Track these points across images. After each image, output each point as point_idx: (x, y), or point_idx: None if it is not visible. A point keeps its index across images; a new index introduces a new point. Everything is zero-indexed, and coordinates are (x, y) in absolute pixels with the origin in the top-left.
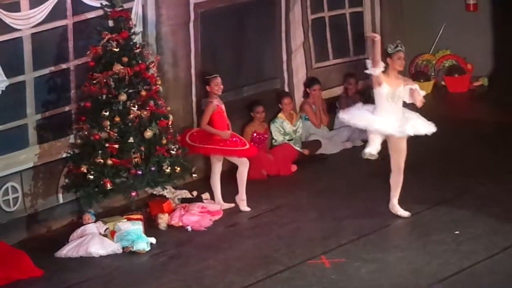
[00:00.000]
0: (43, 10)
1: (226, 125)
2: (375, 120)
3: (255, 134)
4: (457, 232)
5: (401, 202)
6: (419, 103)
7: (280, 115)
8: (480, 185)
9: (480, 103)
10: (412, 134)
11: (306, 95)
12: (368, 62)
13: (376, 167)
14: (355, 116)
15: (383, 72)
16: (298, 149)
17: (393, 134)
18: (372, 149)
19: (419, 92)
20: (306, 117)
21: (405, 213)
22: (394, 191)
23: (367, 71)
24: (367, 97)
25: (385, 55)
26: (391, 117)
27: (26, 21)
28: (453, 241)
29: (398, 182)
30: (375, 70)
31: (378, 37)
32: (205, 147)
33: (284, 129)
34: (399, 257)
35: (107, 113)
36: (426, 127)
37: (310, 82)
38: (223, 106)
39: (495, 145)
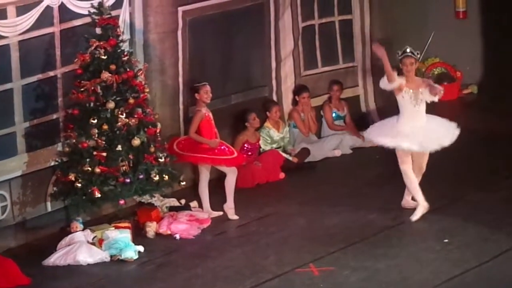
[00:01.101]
0: (30, 18)
1: (214, 133)
2: (403, 139)
3: (246, 145)
4: (447, 240)
5: (392, 209)
6: (438, 95)
7: (266, 124)
8: (470, 193)
9: (470, 111)
10: (437, 148)
11: (295, 102)
12: (383, 79)
13: (366, 175)
14: (381, 135)
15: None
16: (287, 156)
17: (420, 151)
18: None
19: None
20: (295, 124)
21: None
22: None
23: (385, 87)
24: (352, 105)
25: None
26: (416, 123)
27: (13, 28)
28: (443, 249)
29: (418, 174)
30: (391, 84)
31: (381, 52)
32: (193, 156)
33: (272, 137)
34: (388, 265)
35: (95, 121)
36: (449, 137)
37: (299, 89)
38: (210, 115)
39: (485, 153)
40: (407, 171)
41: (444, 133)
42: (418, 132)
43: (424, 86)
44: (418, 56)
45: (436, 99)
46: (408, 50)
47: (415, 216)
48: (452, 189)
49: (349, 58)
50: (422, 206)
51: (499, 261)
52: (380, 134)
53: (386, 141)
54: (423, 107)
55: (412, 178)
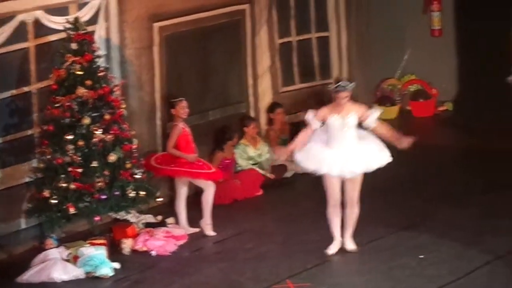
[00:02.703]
0: (4, 33)
1: (192, 148)
2: (324, 162)
3: (226, 160)
4: (421, 257)
5: (366, 226)
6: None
7: (242, 140)
8: (445, 209)
9: (445, 128)
10: (362, 172)
11: (269, 121)
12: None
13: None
14: (307, 158)
15: (329, 104)
16: (264, 173)
17: (343, 176)
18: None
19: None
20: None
21: (353, 247)
22: (347, 226)
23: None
24: None
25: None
26: (343, 147)
27: None
28: (417, 266)
29: (351, 216)
30: (313, 125)
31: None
32: (172, 169)
33: (247, 153)
34: (364, 281)
35: (70, 137)
36: (378, 161)
37: (272, 107)
38: (188, 130)
39: (460, 170)
40: (330, 208)
41: (372, 157)
42: (342, 156)
43: (361, 114)
44: (352, 86)
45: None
46: (343, 83)
47: (331, 250)
48: (427, 206)
49: (326, 75)
50: (337, 242)
51: (473, 277)
52: (307, 159)
53: (310, 167)
54: (351, 132)
55: (330, 216)
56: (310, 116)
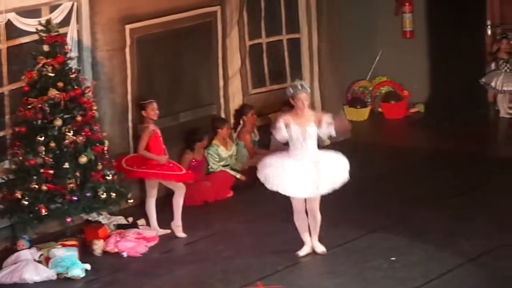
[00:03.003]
0: None
1: (163, 150)
2: (289, 184)
3: (193, 161)
4: (393, 259)
5: (338, 228)
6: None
7: (215, 141)
8: (417, 212)
9: (417, 130)
10: (328, 191)
11: (238, 123)
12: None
13: None
14: (270, 178)
15: (290, 112)
16: (235, 175)
17: (310, 197)
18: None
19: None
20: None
21: (323, 249)
22: (312, 231)
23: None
24: None
25: (288, 97)
26: (304, 159)
27: None
28: (389, 268)
29: (314, 222)
30: (281, 133)
31: None
32: (143, 171)
33: (220, 155)
34: (335, 283)
35: (42, 139)
36: (341, 176)
37: (244, 109)
38: (159, 131)
39: (432, 172)
40: (295, 215)
41: (334, 174)
42: (305, 176)
43: (316, 121)
44: (309, 89)
45: (333, 133)
46: (300, 84)
47: (301, 252)
48: (399, 208)
49: (297, 76)
50: (308, 246)
51: (445, 280)
52: (272, 179)
53: (274, 187)
54: (311, 143)
55: (296, 222)
56: (278, 125)
